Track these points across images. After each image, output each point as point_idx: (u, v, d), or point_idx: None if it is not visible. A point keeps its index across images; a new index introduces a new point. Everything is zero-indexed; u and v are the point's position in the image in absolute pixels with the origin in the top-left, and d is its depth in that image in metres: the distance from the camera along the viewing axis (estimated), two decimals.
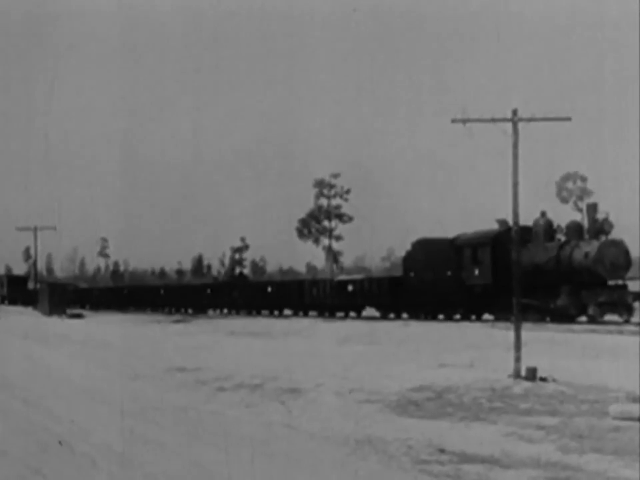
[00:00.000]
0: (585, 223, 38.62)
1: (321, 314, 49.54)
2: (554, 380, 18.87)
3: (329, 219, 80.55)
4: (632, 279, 39.08)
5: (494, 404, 16.99)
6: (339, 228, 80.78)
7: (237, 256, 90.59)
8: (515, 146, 21.09)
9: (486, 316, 40.28)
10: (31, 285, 79.91)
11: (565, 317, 36.30)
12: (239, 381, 21.26)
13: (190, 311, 61.24)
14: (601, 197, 64.10)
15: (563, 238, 38.61)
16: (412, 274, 44.42)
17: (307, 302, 51.12)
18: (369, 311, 47.47)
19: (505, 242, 37.52)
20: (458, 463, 12.49)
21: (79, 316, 59.22)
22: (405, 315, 44.22)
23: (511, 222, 23.02)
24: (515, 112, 21.17)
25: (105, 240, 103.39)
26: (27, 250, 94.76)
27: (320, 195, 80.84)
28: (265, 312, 54.76)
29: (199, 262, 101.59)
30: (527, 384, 18.67)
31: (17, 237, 77.22)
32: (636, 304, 36.35)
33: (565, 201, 75.56)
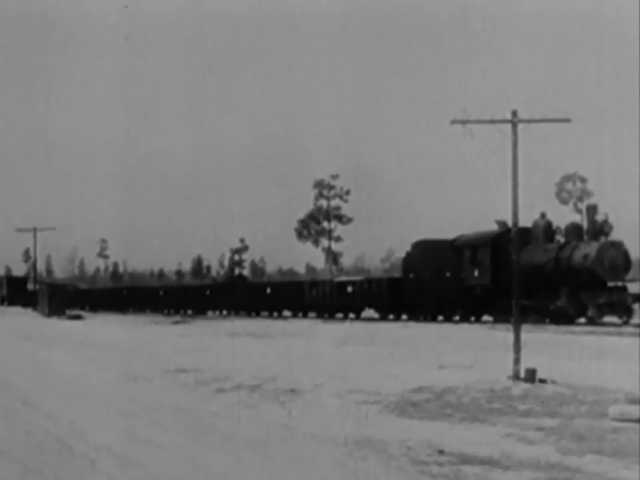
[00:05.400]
0: (585, 224, 38.64)
1: (320, 315, 49.57)
2: (553, 381, 18.87)
3: (329, 220, 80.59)
4: (631, 280, 39.11)
5: (493, 405, 17.00)
6: (339, 229, 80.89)
7: (236, 257, 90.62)
8: (515, 147, 21.09)
9: (485, 317, 40.30)
10: (30, 286, 80.00)
11: (564, 318, 36.32)
12: (238, 382, 21.26)
13: (189, 312, 61.26)
14: (600, 198, 64.19)
15: (562, 239, 38.64)
16: (411, 275, 44.45)
17: (306, 303, 51.14)
18: (369, 312, 47.49)
19: (504, 243, 37.55)
20: (457, 464, 12.49)
21: (78, 317, 59.25)
22: (404, 316, 44.25)
23: (510, 223, 23.02)
24: (514, 113, 21.18)
25: (104, 241, 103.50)
26: (27, 251, 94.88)
27: (319, 195, 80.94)
28: (264, 313, 54.77)
29: (198, 263, 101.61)
30: (526, 385, 18.66)
31: (17, 237, 77.40)
32: (635, 305, 36.37)
33: (564, 202, 75.66)
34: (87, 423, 16.42)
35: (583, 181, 75.91)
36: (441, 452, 13.22)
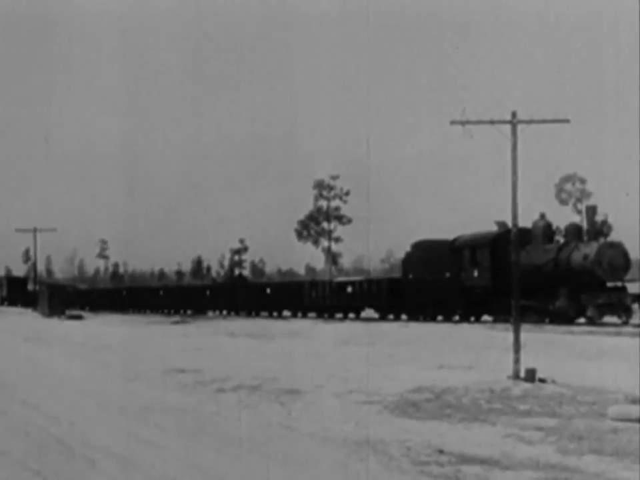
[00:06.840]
0: (584, 225, 38.64)
1: (320, 315, 49.56)
2: (553, 381, 18.90)
3: (328, 221, 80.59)
4: (631, 280, 39.11)
5: (493, 405, 17.01)
6: (338, 229, 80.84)
7: (236, 257, 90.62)
8: (514, 148, 21.11)
9: (485, 317, 40.30)
10: (30, 287, 80.00)
11: (563, 318, 36.32)
12: (238, 382, 21.27)
13: (189, 312, 61.25)
14: (600, 199, 64.17)
15: (561, 240, 38.64)
16: (411, 275, 44.44)
17: (306, 303, 51.13)
18: (368, 312, 47.49)
19: (503, 243, 37.55)
20: (457, 464, 12.51)
21: (78, 317, 59.23)
22: (404, 316, 44.24)
23: (510, 224, 23.04)
24: (514, 114, 21.20)
25: (104, 241, 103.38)
26: (27, 251, 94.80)
27: (319, 196, 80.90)
28: (264, 313, 54.78)
29: (198, 263, 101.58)
30: (526, 385, 18.69)
31: (17, 238, 77.37)
32: (635, 306, 36.38)
33: (564, 202, 75.66)
34: (86, 424, 16.44)
35: (583, 181, 75.93)
36: (441, 452, 13.24)
